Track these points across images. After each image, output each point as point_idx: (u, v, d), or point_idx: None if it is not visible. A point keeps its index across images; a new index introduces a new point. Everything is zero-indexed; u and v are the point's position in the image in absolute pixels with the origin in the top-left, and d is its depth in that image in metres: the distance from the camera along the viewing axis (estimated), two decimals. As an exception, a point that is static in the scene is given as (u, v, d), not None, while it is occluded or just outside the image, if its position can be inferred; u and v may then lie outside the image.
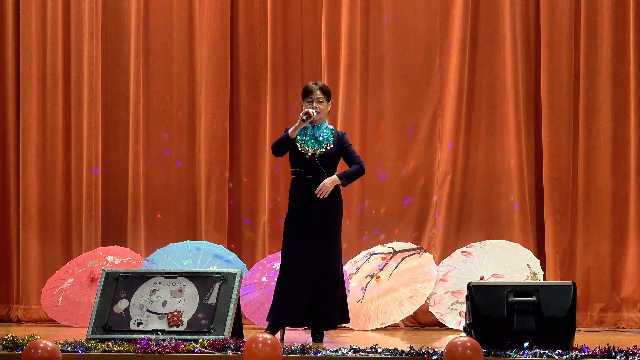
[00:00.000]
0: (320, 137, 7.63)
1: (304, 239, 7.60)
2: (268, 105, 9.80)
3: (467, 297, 6.96)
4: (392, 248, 9.40)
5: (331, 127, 7.78)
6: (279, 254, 8.85)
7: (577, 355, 6.36)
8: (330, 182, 7.57)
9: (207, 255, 9.24)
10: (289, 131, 7.61)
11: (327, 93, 7.69)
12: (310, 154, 7.60)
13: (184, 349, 6.65)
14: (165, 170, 9.97)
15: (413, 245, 9.39)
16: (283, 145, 7.63)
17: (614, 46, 9.40)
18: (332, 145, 7.64)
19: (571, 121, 9.42)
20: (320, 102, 7.62)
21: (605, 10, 9.40)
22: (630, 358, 6.30)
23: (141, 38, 9.97)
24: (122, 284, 7.49)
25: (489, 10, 9.57)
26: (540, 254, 9.32)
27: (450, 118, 9.55)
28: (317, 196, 7.56)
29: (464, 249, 9.28)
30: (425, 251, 9.34)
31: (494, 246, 9.18)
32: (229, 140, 9.89)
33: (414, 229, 9.62)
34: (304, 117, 7.56)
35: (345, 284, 9.03)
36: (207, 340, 6.77)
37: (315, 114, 7.61)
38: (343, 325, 9.02)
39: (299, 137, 7.65)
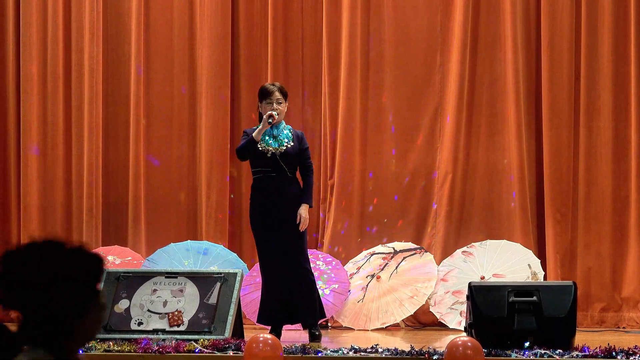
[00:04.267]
0: (280, 136, 7.67)
1: (273, 237, 7.61)
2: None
3: (467, 297, 6.98)
4: (393, 248, 9.39)
5: (289, 126, 7.82)
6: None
7: (577, 355, 6.37)
8: (305, 211, 7.64)
9: (207, 255, 9.24)
10: (254, 134, 7.64)
11: (285, 94, 7.76)
12: (271, 153, 7.63)
13: (185, 349, 6.65)
14: (166, 169, 9.97)
15: (414, 245, 9.39)
16: (249, 149, 7.66)
17: (614, 46, 9.38)
18: (292, 144, 7.69)
19: (572, 121, 9.40)
20: (280, 103, 7.67)
21: (606, 10, 9.38)
22: (631, 358, 6.30)
23: (142, 38, 9.96)
24: (122, 283, 7.50)
25: (490, 9, 9.56)
26: (540, 253, 9.30)
27: (451, 118, 9.54)
28: (300, 229, 7.61)
29: (464, 248, 9.27)
30: (425, 251, 9.33)
31: (495, 246, 9.17)
32: (229, 140, 9.90)
33: (414, 228, 9.60)
34: (270, 120, 7.61)
35: (344, 284, 9.04)
36: (208, 340, 6.78)
37: (277, 115, 7.64)
38: (344, 325, 9.04)
39: (263, 136, 7.67)
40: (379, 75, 9.73)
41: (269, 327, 7.73)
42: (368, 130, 9.73)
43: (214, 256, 9.22)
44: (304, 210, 7.64)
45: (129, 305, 7.40)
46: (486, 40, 9.56)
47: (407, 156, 9.66)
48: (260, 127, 7.64)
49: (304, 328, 7.76)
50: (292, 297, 7.59)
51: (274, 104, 7.65)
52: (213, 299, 7.32)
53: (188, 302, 7.34)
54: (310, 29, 9.89)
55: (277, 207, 7.60)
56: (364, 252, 9.49)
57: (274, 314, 7.62)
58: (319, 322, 7.73)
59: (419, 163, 9.64)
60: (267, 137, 7.66)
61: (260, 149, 7.64)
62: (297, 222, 7.61)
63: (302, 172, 7.80)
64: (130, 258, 9.48)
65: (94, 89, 9.96)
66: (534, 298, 6.83)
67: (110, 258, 9.45)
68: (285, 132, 7.71)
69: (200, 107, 9.92)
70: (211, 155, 9.85)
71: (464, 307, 8.51)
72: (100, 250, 9.63)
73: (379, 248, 9.46)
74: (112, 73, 10.06)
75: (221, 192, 9.83)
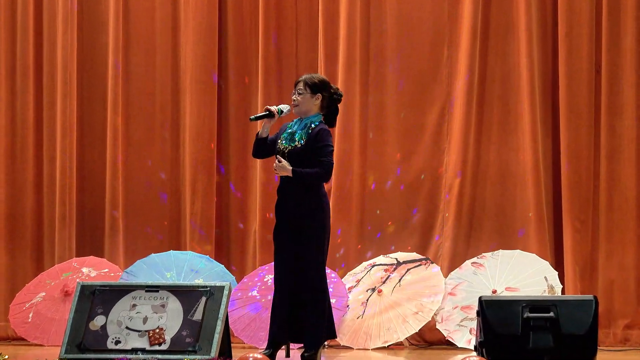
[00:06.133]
0: (296, 135, 7.64)
1: (285, 247, 7.60)
2: (259, 102, 9.77)
3: (478, 312, 7.03)
4: (396, 259, 9.38)
5: (317, 122, 7.73)
6: (272, 265, 8.86)
7: (599, 376, 6.35)
8: (285, 165, 7.52)
9: (192, 267, 9.23)
10: (259, 131, 7.69)
11: (311, 85, 7.67)
12: (282, 152, 7.62)
13: (167, 370, 6.64)
14: (147, 173, 9.96)
15: (419, 256, 9.37)
16: (256, 146, 7.72)
17: (638, 36, 9.36)
18: (302, 143, 7.64)
19: (592, 119, 9.37)
20: (300, 93, 7.66)
21: (629, -4, 9.40)
22: (657, 380, 6.29)
23: (120, 28, 9.96)
24: (98, 298, 7.49)
25: (502, -4, 9.59)
26: (558, 265, 9.28)
27: (460, 116, 9.53)
28: (273, 169, 7.61)
29: (474, 259, 9.26)
30: (432, 262, 9.31)
31: (508, 257, 9.16)
32: (216, 140, 9.87)
33: (419, 237, 9.59)
34: (265, 113, 7.66)
35: (343, 299, 9.03)
36: (192, 360, 6.77)
37: (279, 111, 7.67)
38: (342, 343, 9.02)
39: (283, 135, 7.71)
40: (380, 69, 9.72)
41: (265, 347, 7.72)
42: (368, 130, 9.72)
43: (199, 268, 9.21)
44: (287, 164, 7.50)
45: (106, 322, 7.40)
46: (498, 31, 9.54)
47: (411, 158, 9.65)
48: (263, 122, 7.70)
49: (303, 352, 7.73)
50: (299, 314, 7.56)
51: (295, 94, 7.68)
52: (198, 315, 7.32)
53: (170, 319, 7.33)
54: (305, 19, 9.88)
55: (290, 214, 7.57)
56: (364, 264, 9.47)
57: (272, 334, 7.60)
58: (323, 344, 7.67)
59: (424, 165, 9.63)
60: (286, 135, 7.67)
61: (278, 147, 7.66)
62: (311, 234, 7.56)
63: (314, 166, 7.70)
64: (107, 270, 9.47)
65: (67, 84, 9.96)
66: (551, 314, 6.88)
67: (85, 270, 9.44)
68: (303, 130, 7.66)
69: (184, 104, 9.92)
70: (196, 157, 9.84)
71: (474, 324, 8.52)
72: (74, 261, 9.63)
73: (380, 259, 9.45)
74: (88, 66, 10.06)
75: (207, 197, 9.81)
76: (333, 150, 7.58)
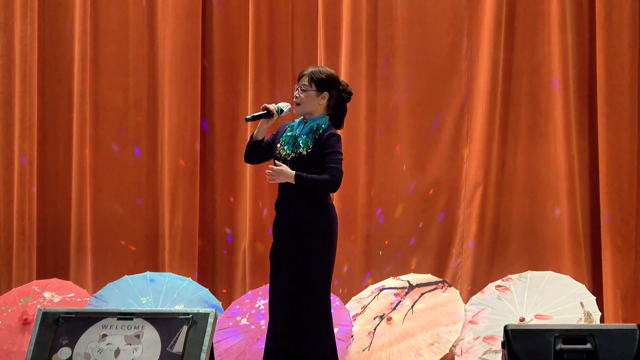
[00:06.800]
0: (299, 139, 7.53)
1: (279, 269, 7.53)
2: (250, 98, 9.81)
3: (503, 344, 7.06)
4: (408, 281, 9.33)
5: (324, 125, 7.61)
6: (265, 287, 8.79)
7: (647, 419, 6.37)
8: (285, 170, 7.41)
9: (171, 290, 9.12)
10: (254, 132, 7.59)
11: (317, 81, 7.59)
12: (282, 159, 7.49)
13: (142, 412, 6.62)
14: (119, 182, 9.94)
15: (435, 278, 9.33)
16: (249, 149, 7.63)
17: (688, 23, 9.37)
18: (309, 150, 7.51)
19: (635, 117, 9.33)
20: (304, 90, 7.55)
21: (678, -23, 9.39)
22: None
23: (88, 14, 10.09)
24: (63, 327, 7.63)
25: (531, -21, 9.56)
26: (596, 289, 9.26)
27: (481, 116, 9.52)
28: (266, 175, 7.47)
29: (499, 282, 9.22)
30: (449, 285, 9.26)
31: (538, 279, 9.12)
32: (200, 143, 9.84)
33: (435, 256, 9.59)
34: (262, 111, 7.57)
35: (346, 327, 8.96)
36: (172, 400, 6.77)
37: (279, 110, 7.58)
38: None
39: (283, 138, 7.54)
40: (389, 62, 9.72)
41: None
42: (376, 132, 9.73)
43: (180, 292, 9.11)
44: (286, 168, 7.39)
45: (71, 355, 7.44)
46: (526, 16, 9.55)
47: (425, 165, 9.66)
48: (259, 123, 7.62)
49: None
50: (299, 317, 7.45)
51: (297, 90, 7.58)
52: (178, 347, 7.36)
53: (146, 351, 7.40)
54: (302, 4, 9.91)
55: (292, 223, 7.49)
56: (371, 287, 9.45)
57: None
58: None
59: (440, 173, 9.65)
60: (287, 138, 7.56)
61: (277, 152, 7.58)
62: (314, 251, 7.44)
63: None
64: (72, 295, 9.43)
65: (27, 79, 10.08)
66: (588, 345, 6.97)
67: (47, 295, 9.44)
68: (308, 135, 7.53)
69: (162, 101, 10.01)
70: (176, 163, 9.89)
71: (498, 357, 8.53)
72: (35, 284, 9.57)
73: (389, 282, 9.42)
74: (51, 58, 10.18)
75: (189, 209, 9.87)
76: (342, 159, 7.46)
